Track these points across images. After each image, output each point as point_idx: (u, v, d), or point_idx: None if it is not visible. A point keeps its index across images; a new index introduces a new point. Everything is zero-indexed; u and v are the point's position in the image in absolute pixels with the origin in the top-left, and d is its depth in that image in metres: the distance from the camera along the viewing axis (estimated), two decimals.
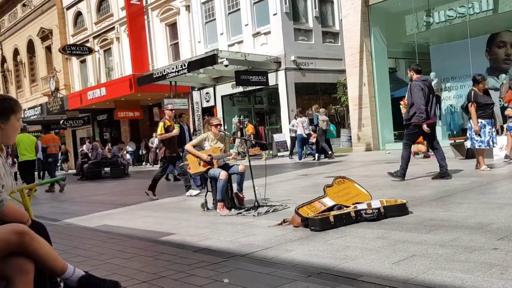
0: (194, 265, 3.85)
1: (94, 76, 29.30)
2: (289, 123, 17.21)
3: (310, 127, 15.93)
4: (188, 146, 6.87)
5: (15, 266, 2.42)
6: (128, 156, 23.59)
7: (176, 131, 9.28)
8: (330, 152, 15.00)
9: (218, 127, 6.90)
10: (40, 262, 2.53)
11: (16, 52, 37.46)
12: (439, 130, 16.04)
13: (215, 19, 21.68)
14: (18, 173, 13.62)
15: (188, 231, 5.47)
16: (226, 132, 7.51)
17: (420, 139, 9.98)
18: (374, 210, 4.89)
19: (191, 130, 17.38)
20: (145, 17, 25.14)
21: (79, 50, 28.38)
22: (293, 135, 16.14)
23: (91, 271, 3.93)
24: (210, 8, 21.94)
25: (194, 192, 8.83)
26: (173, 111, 9.72)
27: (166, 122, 9.18)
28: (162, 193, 10.26)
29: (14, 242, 2.43)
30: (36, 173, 16.13)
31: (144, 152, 23.86)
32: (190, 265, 3.84)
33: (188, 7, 22.74)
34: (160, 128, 9.12)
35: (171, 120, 9.37)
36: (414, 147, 11.48)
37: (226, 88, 21.47)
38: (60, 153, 19.90)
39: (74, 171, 22.28)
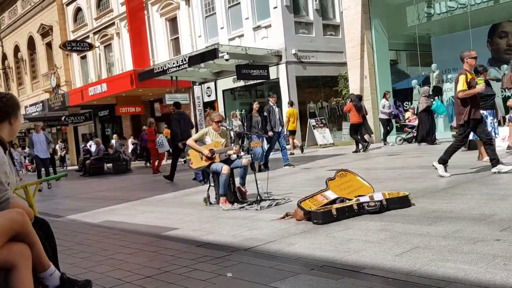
0: (197, 259, 3.86)
1: (95, 72, 29.27)
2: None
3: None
4: (190, 141, 6.86)
5: (19, 251, 2.47)
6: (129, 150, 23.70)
7: (481, 86, 7.03)
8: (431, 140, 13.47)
9: (219, 123, 6.87)
10: (35, 248, 2.58)
11: (16, 49, 37.43)
12: (441, 122, 16.05)
13: (215, 13, 21.61)
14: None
15: (191, 225, 5.48)
16: (227, 126, 7.48)
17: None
18: (376, 203, 4.90)
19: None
20: (145, 12, 25.06)
21: (80, 46, 28.32)
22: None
23: (95, 267, 3.96)
24: (210, 2, 21.87)
25: (504, 168, 6.82)
26: (477, 58, 7.26)
27: (467, 75, 7.00)
28: (164, 188, 10.29)
29: (19, 220, 2.49)
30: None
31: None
32: (194, 260, 3.86)
33: (188, 2, 22.66)
34: (462, 83, 6.92)
35: (472, 72, 7.17)
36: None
37: (227, 82, 21.43)
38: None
39: (76, 167, 22.34)
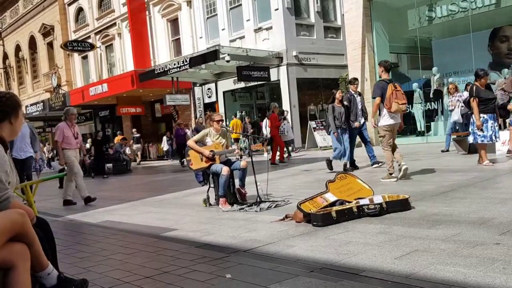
0: (196, 260, 3.86)
1: (96, 72, 29.30)
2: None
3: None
4: (190, 142, 6.87)
5: (18, 252, 2.47)
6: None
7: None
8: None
9: (220, 122, 6.90)
10: (34, 249, 2.58)
11: (18, 48, 37.47)
12: (441, 125, 16.05)
13: (216, 14, 21.63)
14: None
15: (190, 226, 5.48)
16: (228, 128, 7.49)
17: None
18: (376, 205, 4.89)
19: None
20: (147, 12, 25.10)
21: (81, 46, 28.38)
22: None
23: (94, 267, 3.95)
24: (211, 3, 21.90)
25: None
26: None
27: None
28: (164, 189, 10.28)
29: (19, 221, 2.49)
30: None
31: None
32: (193, 261, 3.85)
33: (189, 3, 22.70)
34: None
35: None
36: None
37: (228, 84, 21.45)
38: None
39: None
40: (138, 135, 23.86)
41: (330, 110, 9.61)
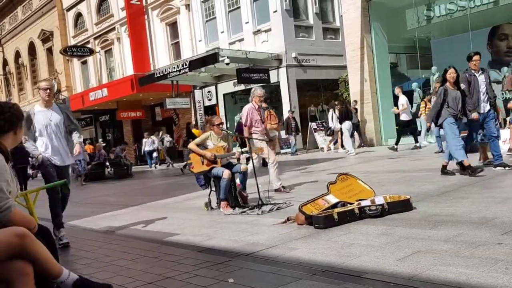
0: (198, 265, 3.86)
1: (96, 77, 29.32)
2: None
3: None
4: (192, 145, 6.88)
5: (16, 269, 2.44)
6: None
7: None
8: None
9: (220, 125, 6.90)
10: (38, 264, 2.55)
11: (17, 55, 37.51)
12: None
13: (215, 17, 21.65)
14: None
15: (192, 231, 5.48)
16: (229, 131, 7.50)
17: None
18: (378, 207, 4.89)
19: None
20: (145, 17, 25.12)
21: (80, 51, 28.40)
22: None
23: (96, 273, 3.95)
24: (210, 6, 21.92)
25: None
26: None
27: None
28: (165, 193, 10.29)
29: (15, 244, 2.45)
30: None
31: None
32: (195, 266, 3.85)
33: (188, 6, 22.72)
34: None
35: None
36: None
37: (227, 86, 21.47)
38: None
39: None
40: (104, 144, 21.50)
41: (441, 94, 7.20)
